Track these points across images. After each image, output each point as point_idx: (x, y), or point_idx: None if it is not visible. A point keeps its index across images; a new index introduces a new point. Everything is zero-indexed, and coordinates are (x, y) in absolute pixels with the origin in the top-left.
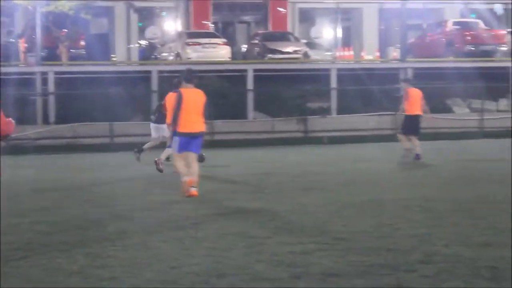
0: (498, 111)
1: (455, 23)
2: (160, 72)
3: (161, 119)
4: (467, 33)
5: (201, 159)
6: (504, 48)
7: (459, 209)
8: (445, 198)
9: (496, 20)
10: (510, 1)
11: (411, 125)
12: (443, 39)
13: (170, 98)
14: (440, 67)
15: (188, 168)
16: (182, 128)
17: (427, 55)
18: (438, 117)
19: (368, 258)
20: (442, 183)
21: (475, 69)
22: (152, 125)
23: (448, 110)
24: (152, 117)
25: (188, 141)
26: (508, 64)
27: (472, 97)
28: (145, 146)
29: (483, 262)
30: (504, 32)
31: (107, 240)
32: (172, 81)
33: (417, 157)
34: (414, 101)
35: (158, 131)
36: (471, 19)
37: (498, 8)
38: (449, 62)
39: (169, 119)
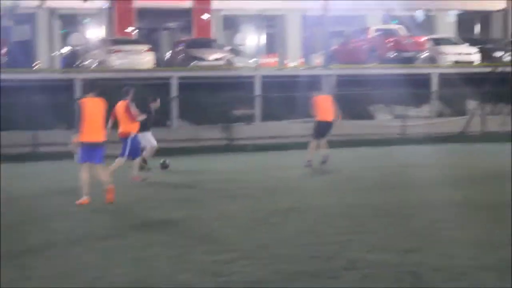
0: (419, 117)
1: (377, 30)
2: (83, 80)
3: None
4: (389, 39)
5: (165, 166)
6: (425, 55)
7: (382, 215)
8: (368, 204)
9: (417, 27)
10: (431, 8)
11: (320, 130)
12: (366, 46)
13: (120, 107)
14: (363, 74)
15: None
16: (83, 138)
17: (350, 61)
18: (361, 123)
19: (292, 265)
20: (364, 189)
21: (397, 76)
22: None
23: (371, 116)
24: None
25: (89, 150)
26: (429, 70)
27: (394, 103)
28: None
29: (405, 268)
30: (425, 38)
31: (31, 251)
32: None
33: (324, 159)
34: (322, 108)
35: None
36: (392, 26)
37: (419, 14)
38: (372, 69)
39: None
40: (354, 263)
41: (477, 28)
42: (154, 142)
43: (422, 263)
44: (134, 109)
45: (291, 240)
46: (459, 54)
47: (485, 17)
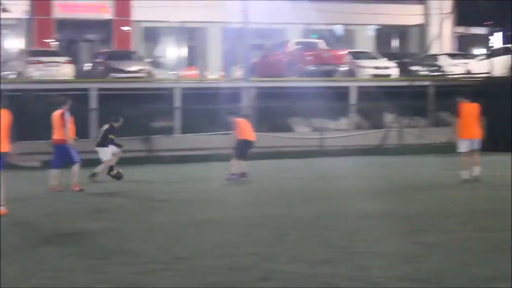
0: (338, 129)
1: (297, 43)
2: (2, 91)
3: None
4: (308, 53)
5: (119, 176)
6: (343, 68)
7: (300, 226)
8: (287, 215)
9: (336, 41)
10: (350, 23)
11: (242, 149)
12: (285, 59)
13: (55, 115)
14: (282, 87)
15: None
16: None
17: (270, 74)
18: (281, 136)
19: (210, 277)
20: (284, 201)
21: (316, 89)
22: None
23: (290, 129)
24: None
25: None
26: (348, 83)
27: (313, 116)
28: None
29: (320, 279)
30: (343, 52)
31: None
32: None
33: (243, 175)
34: (243, 129)
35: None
36: (312, 40)
37: (338, 29)
38: (291, 82)
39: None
40: (270, 275)
41: (395, 43)
42: (108, 157)
43: (337, 274)
44: (68, 118)
45: (209, 251)
46: (377, 68)
47: (402, 32)
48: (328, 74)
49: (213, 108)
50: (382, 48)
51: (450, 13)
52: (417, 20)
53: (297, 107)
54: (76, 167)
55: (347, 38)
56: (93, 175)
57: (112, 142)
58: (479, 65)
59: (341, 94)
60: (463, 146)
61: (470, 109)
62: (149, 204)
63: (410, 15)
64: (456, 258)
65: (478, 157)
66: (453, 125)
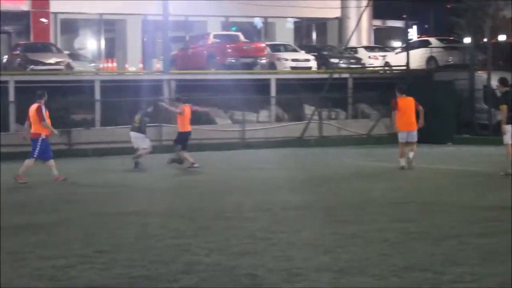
0: (259, 122)
1: (217, 36)
2: None
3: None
4: (228, 45)
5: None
6: (263, 61)
7: (221, 218)
8: (209, 207)
9: (256, 34)
10: (270, 15)
11: (182, 140)
12: (205, 52)
13: (32, 109)
14: (203, 79)
15: None
16: None
17: (190, 67)
18: (202, 128)
19: (131, 270)
20: (206, 193)
21: (237, 81)
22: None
23: (211, 121)
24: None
25: None
26: (268, 76)
27: (234, 108)
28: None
29: (242, 270)
30: (263, 45)
31: None
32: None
33: (193, 166)
34: (183, 120)
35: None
36: (232, 32)
37: (258, 21)
38: (212, 74)
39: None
40: (192, 266)
41: (314, 36)
42: (148, 144)
43: (259, 265)
44: (45, 112)
45: (131, 244)
46: (297, 60)
47: (321, 24)
48: (248, 66)
49: (133, 101)
50: (302, 41)
51: (367, 6)
52: (336, 13)
53: (218, 99)
54: (52, 161)
55: (267, 31)
56: (136, 164)
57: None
58: (397, 58)
59: (261, 86)
60: (400, 137)
61: (406, 103)
62: (69, 197)
63: (328, 8)
64: (374, 248)
65: (415, 146)
66: (392, 118)
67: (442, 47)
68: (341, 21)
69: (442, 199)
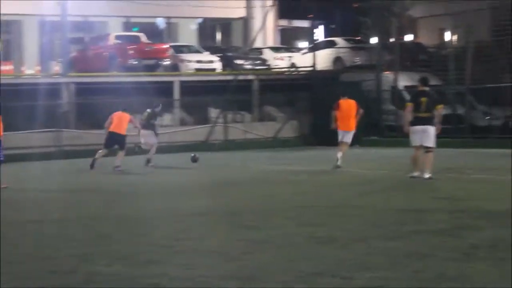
0: (162, 126)
1: (118, 37)
2: None
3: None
4: (130, 47)
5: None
6: (166, 62)
7: (124, 226)
8: (110, 215)
9: (159, 34)
10: (172, 16)
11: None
12: (106, 53)
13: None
14: (103, 82)
15: None
16: None
17: (90, 69)
18: (103, 133)
19: (30, 281)
20: (103, 200)
21: (139, 84)
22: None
23: None
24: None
25: None
26: (171, 78)
27: (136, 112)
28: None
29: (145, 280)
30: (166, 46)
31: None
32: None
33: (117, 169)
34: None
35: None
36: (133, 33)
37: (161, 22)
38: (112, 77)
39: None
40: (93, 277)
41: (219, 36)
42: (155, 140)
43: (163, 274)
44: None
45: (30, 254)
46: (201, 62)
47: (226, 25)
48: (151, 68)
49: (31, 105)
50: (206, 42)
51: (272, 6)
52: (241, 13)
53: (119, 102)
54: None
55: (169, 32)
56: (148, 160)
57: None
58: (303, 59)
59: (164, 89)
60: (339, 137)
61: (347, 105)
62: None
63: (233, 8)
64: (281, 254)
65: (345, 147)
66: (332, 118)
67: (348, 47)
68: (246, 21)
69: (349, 203)
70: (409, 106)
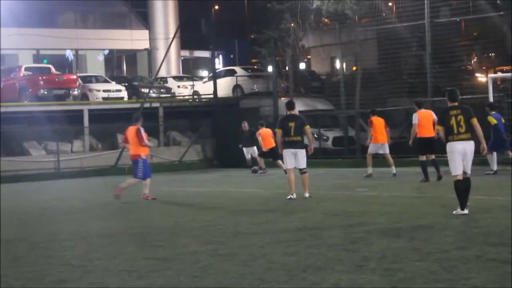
0: (73, 152)
1: (28, 68)
2: None
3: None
4: (40, 77)
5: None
6: (75, 92)
7: (34, 248)
8: (21, 237)
9: (68, 66)
10: (80, 48)
11: None
12: (17, 84)
13: (131, 131)
14: (16, 111)
15: None
16: None
17: (3, 99)
18: (17, 160)
19: None
20: (19, 223)
21: (50, 112)
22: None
23: (26, 152)
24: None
25: None
26: (81, 107)
27: (47, 139)
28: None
29: None
30: (74, 76)
31: None
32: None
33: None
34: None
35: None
36: (43, 65)
37: (69, 54)
38: (24, 106)
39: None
40: None
41: (125, 66)
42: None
43: None
44: (144, 134)
45: None
46: (109, 91)
47: (131, 55)
48: (61, 98)
49: None
50: (113, 72)
51: (174, 37)
52: (145, 44)
53: (32, 131)
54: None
55: (78, 63)
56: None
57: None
58: (205, 86)
59: (74, 117)
60: (371, 149)
61: (379, 121)
62: None
63: (138, 40)
64: (186, 271)
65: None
66: (368, 133)
67: (247, 76)
68: (150, 52)
69: (250, 221)
70: (278, 132)
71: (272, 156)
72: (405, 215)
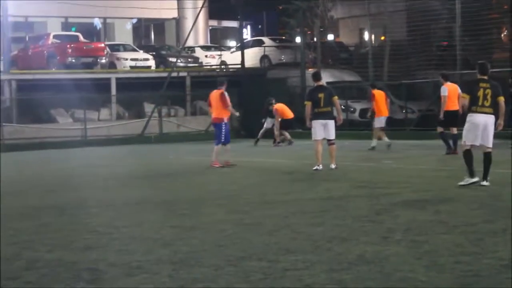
0: (100, 120)
1: (56, 36)
2: None
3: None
4: (68, 45)
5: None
6: (103, 60)
7: (64, 214)
8: (51, 205)
9: (96, 34)
10: (108, 16)
11: None
12: (45, 52)
13: (214, 95)
14: (43, 79)
15: None
16: None
17: (30, 67)
18: (44, 127)
19: None
20: (49, 190)
21: (78, 80)
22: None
23: (53, 120)
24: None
25: None
26: (108, 75)
27: (75, 107)
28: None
29: (83, 265)
30: (102, 45)
31: None
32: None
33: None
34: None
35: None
36: (72, 33)
37: (97, 22)
38: (52, 74)
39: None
40: (33, 263)
41: (153, 35)
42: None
43: (100, 259)
44: (228, 98)
45: None
46: (136, 59)
47: (159, 25)
48: (89, 66)
49: None
50: (141, 41)
51: (202, 7)
52: (173, 13)
53: (59, 98)
54: (229, 146)
55: (106, 32)
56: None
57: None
58: (232, 57)
59: (102, 85)
60: (378, 122)
61: (380, 94)
62: None
63: (166, 9)
64: (211, 239)
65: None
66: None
67: (274, 46)
68: (178, 21)
69: (275, 191)
70: (308, 104)
71: (285, 126)
72: (430, 187)
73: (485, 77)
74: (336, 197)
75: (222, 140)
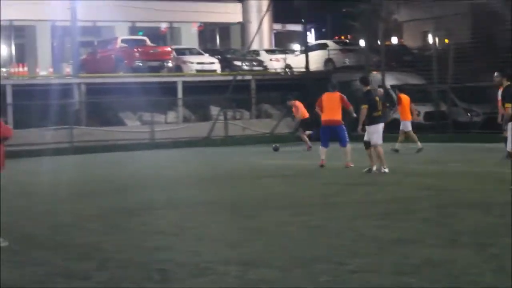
0: (167, 123)
1: (124, 41)
2: None
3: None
4: (135, 49)
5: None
6: (170, 64)
7: (131, 215)
8: (119, 206)
9: (162, 38)
10: (174, 20)
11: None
12: (113, 56)
13: (335, 97)
14: (111, 82)
15: None
16: None
17: (99, 70)
18: (112, 130)
19: (44, 267)
20: (116, 191)
21: (145, 84)
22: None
23: (121, 123)
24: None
25: None
26: (175, 78)
27: (142, 110)
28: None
29: (153, 265)
30: (169, 48)
31: None
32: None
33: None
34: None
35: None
36: (138, 37)
37: (163, 26)
38: (120, 77)
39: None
40: (105, 264)
41: (218, 39)
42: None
43: (169, 260)
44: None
45: (43, 241)
46: (202, 63)
47: (224, 28)
48: (156, 69)
49: (44, 104)
50: (206, 45)
51: (267, 11)
52: (238, 18)
53: (127, 102)
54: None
55: (172, 36)
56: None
57: None
58: (297, 60)
59: (168, 88)
60: (405, 126)
61: (406, 99)
62: None
63: (230, 13)
64: (277, 241)
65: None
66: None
67: (338, 49)
68: (243, 25)
69: (338, 193)
70: (365, 108)
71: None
72: (497, 190)
73: None
74: (400, 200)
75: (347, 140)
